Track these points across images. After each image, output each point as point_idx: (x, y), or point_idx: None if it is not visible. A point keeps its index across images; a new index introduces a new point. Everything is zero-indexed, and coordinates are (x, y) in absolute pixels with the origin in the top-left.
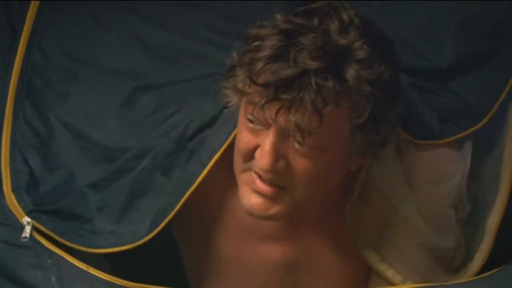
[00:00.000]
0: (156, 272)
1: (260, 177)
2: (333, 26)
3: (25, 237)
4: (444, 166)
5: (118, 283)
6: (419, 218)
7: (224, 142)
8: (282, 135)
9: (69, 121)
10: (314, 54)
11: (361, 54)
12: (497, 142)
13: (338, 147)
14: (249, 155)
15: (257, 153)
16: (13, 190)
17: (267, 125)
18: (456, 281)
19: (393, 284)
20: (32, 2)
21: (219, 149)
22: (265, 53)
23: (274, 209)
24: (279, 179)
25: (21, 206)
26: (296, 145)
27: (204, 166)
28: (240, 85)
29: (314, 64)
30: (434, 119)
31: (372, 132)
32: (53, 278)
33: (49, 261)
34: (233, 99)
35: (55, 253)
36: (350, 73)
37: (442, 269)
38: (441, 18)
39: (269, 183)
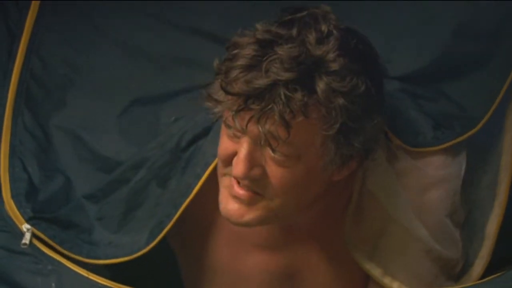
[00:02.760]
0: (154, 281)
1: (238, 182)
2: (311, 37)
3: (25, 244)
4: (437, 171)
5: None
6: (420, 226)
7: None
8: (257, 143)
9: (67, 129)
10: (286, 65)
11: (334, 66)
12: (494, 148)
13: (313, 157)
14: (228, 161)
15: (234, 160)
16: (12, 197)
17: (242, 133)
18: (464, 285)
19: None
20: (33, 2)
21: (213, 160)
22: (240, 62)
23: (249, 215)
24: (256, 186)
25: (21, 213)
26: (270, 153)
27: (200, 178)
28: (216, 93)
29: (285, 75)
30: (428, 125)
31: (344, 144)
32: (53, 285)
33: (49, 267)
34: (217, 107)
35: (55, 260)
36: (321, 85)
37: (445, 276)
38: (436, 20)
39: (246, 188)
